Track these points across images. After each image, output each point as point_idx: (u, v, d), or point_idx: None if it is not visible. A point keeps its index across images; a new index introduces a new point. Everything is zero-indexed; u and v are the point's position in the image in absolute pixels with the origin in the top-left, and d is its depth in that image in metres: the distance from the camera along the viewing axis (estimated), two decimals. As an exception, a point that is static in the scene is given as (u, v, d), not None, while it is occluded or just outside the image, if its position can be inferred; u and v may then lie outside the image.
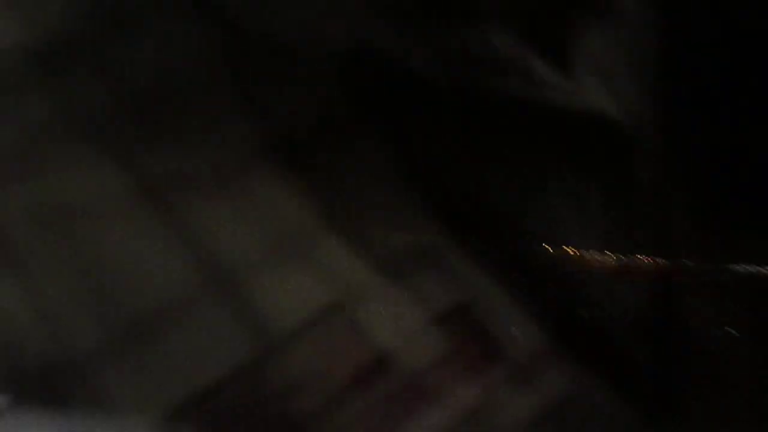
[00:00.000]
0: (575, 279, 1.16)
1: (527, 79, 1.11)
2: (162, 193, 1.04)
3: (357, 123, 1.12)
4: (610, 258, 1.16)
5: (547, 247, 1.15)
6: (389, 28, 1.10)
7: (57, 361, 0.97)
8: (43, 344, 0.98)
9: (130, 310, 1.00)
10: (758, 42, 0.96)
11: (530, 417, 1.05)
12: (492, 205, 1.14)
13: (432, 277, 1.09)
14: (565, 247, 1.16)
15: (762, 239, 1.07)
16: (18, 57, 1.02)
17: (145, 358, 0.99)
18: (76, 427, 0.95)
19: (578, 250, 1.15)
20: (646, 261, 1.14)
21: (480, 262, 1.12)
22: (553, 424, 1.05)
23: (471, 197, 1.14)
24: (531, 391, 1.06)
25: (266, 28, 1.09)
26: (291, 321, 1.02)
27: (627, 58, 1.13)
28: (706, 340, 1.10)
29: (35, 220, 0.98)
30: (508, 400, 1.05)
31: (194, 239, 1.03)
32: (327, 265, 1.05)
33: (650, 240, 1.18)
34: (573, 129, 1.13)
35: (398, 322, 1.05)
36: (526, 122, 1.12)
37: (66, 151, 1.01)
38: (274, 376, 0.99)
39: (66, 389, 0.96)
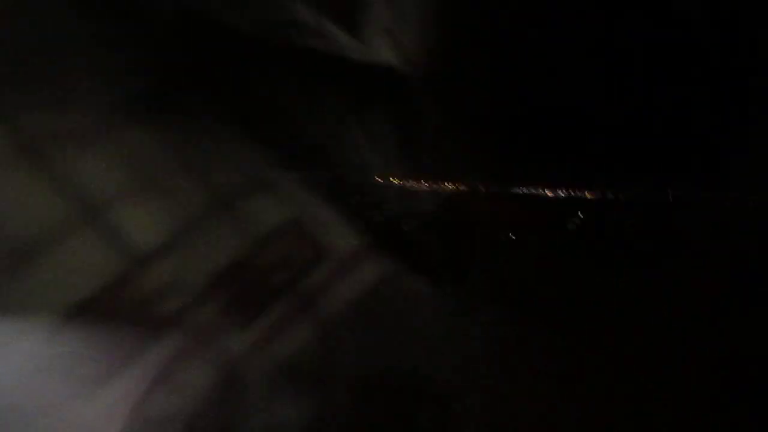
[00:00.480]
0: (388, 198, 1.40)
1: (329, 41, 1.33)
2: (40, 145, 1.21)
3: (196, 77, 1.31)
4: (422, 185, 1.39)
5: (377, 178, 1.39)
6: None
7: None
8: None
9: (18, 239, 1.18)
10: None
11: (354, 297, 1.33)
12: (313, 142, 1.37)
13: (268, 199, 1.33)
14: (390, 177, 1.39)
15: (536, 165, 1.24)
16: None
17: (35, 275, 1.18)
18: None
19: (399, 179, 1.39)
20: (449, 186, 1.37)
21: (307, 187, 1.37)
22: (371, 300, 1.33)
23: (295, 136, 1.37)
24: (353, 278, 1.33)
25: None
26: (151, 243, 1.23)
27: (409, 22, 1.37)
28: (490, 241, 1.33)
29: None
30: (335, 287, 1.32)
31: (70, 182, 1.22)
32: (179, 197, 1.26)
33: (452, 169, 1.40)
34: (370, 79, 1.37)
35: (242, 236, 1.28)
36: (333, 74, 1.35)
37: None
38: (140, 287, 1.21)
39: None
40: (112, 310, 1.19)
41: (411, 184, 1.40)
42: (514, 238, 1.25)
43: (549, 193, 1.24)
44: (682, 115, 1.03)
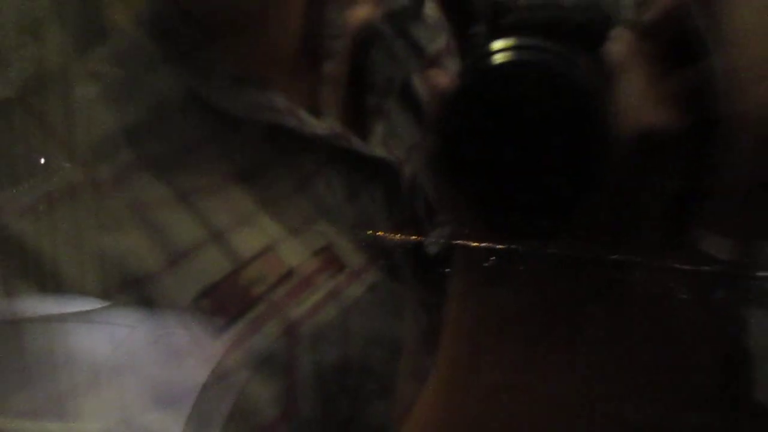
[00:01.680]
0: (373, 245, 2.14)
1: (348, 142, 2.12)
2: (186, 193, 1.90)
3: (275, 159, 2.12)
4: (395, 237, 2.13)
5: (382, 233, 2.10)
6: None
7: (132, 278, 1.76)
8: (122, 266, 1.76)
9: (173, 249, 1.83)
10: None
11: (360, 295, 2.01)
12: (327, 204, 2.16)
13: (311, 234, 2.05)
14: (373, 231, 2.13)
15: (466, 226, 1.43)
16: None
17: (180, 269, 1.80)
18: (150, 321, 1.72)
19: (378, 232, 2.14)
20: (414, 238, 2.05)
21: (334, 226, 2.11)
22: (371, 296, 2.01)
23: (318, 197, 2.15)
24: (360, 282, 2.03)
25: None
26: (248, 252, 1.91)
27: (397, 140, 2.22)
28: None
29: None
30: (351, 288, 2.01)
31: (203, 216, 1.89)
32: (265, 229, 1.96)
33: (419, 226, 2.12)
34: (368, 164, 2.15)
35: (298, 252, 2.00)
36: (347, 160, 2.14)
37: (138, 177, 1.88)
38: (240, 279, 1.87)
39: (139, 298, 1.75)
40: (225, 292, 1.87)
41: (388, 236, 2.17)
42: (447, 270, 1.58)
43: (473, 244, 1.58)
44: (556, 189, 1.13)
